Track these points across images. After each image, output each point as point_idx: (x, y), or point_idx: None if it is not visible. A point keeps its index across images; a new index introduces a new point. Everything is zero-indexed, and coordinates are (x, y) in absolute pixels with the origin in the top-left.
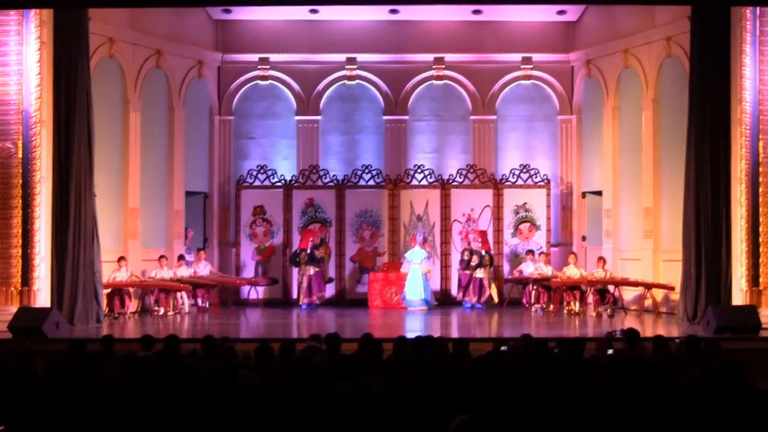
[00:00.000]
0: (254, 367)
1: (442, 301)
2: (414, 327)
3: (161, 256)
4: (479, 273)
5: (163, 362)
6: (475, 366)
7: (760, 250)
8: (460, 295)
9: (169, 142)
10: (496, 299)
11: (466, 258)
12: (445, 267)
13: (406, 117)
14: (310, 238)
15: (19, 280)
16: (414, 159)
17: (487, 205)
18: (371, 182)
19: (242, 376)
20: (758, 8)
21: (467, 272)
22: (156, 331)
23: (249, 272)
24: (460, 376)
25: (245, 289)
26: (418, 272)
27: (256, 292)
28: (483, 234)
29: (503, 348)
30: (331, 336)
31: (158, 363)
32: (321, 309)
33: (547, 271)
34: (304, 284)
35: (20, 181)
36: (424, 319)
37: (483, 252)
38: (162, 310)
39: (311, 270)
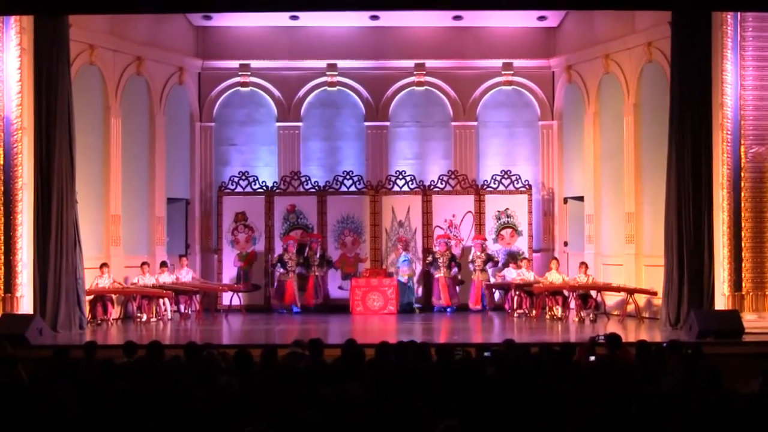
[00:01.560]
0: (235, 372)
1: (423, 306)
2: (397, 332)
3: (143, 263)
4: (475, 276)
5: (146, 368)
6: (458, 371)
7: (743, 254)
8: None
9: (150, 149)
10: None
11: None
12: (427, 273)
13: (387, 123)
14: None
15: (2, 287)
16: (395, 165)
17: (469, 211)
18: (353, 188)
19: (225, 382)
20: (739, 14)
21: (439, 275)
22: (139, 337)
23: (231, 278)
24: (443, 382)
25: (228, 295)
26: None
27: (238, 298)
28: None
29: (486, 354)
30: (314, 342)
31: (141, 369)
32: (303, 315)
33: (529, 276)
34: (311, 287)
35: (2, 188)
36: (408, 324)
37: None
38: (144, 317)
39: (321, 272)
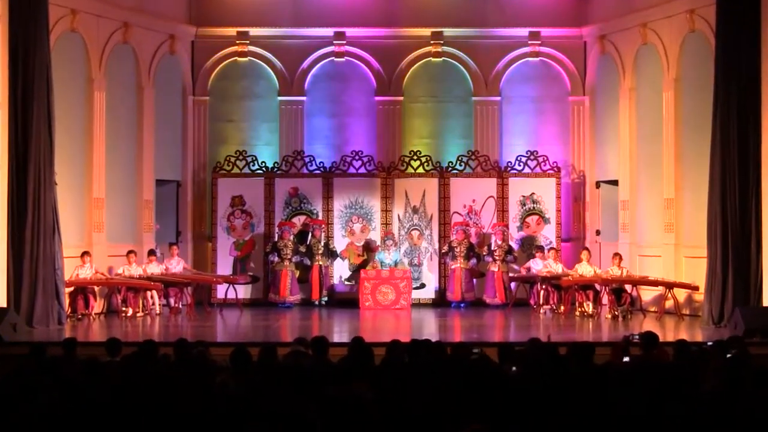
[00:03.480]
0: (232, 373)
1: (439, 300)
2: (410, 329)
3: (129, 252)
4: (494, 267)
5: (133, 368)
6: (476, 372)
7: None
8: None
9: (137, 125)
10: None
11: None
12: (443, 264)
13: (401, 98)
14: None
15: None
16: (409, 144)
17: (491, 196)
18: (362, 170)
19: (220, 383)
20: None
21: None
22: (124, 334)
23: (227, 269)
24: (460, 384)
25: (223, 287)
26: None
27: (235, 292)
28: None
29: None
30: (318, 340)
31: (127, 369)
32: (307, 310)
33: (557, 268)
34: (316, 280)
35: None
36: (422, 321)
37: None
38: (130, 311)
39: (326, 263)
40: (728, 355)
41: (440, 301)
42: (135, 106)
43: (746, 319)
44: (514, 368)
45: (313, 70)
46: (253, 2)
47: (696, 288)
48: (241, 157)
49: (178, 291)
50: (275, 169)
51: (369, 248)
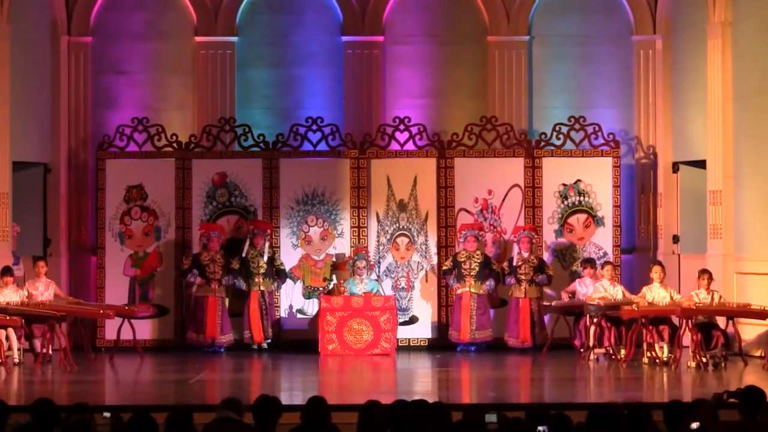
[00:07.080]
0: None
1: (439, 341)
2: (395, 385)
3: None
4: (519, 292)
5: None
6: None
7: None
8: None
9: None
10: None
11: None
12: (445, 288)
13: (381, 38)
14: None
15: None
16: (393, 108)
17: (516, 185)
18: (323, 146)
19: None
20: None
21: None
22: None
23: (120, 296)
24: None
25: (113, 323)
26: None
27: (131, 329)
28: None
29: (541, 429)
30: (261, 401)
31: None
32: (240, 356)
33: (616, 293)
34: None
35: None
36: (412, 372)
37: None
38: None
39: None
40: None
41: (440, 343)
42: None
43: None
44: None
45: None
46: None
47: None
48: (140, 128)
49: (46, 329)
50: (192, 146)
51: (338, 268)
